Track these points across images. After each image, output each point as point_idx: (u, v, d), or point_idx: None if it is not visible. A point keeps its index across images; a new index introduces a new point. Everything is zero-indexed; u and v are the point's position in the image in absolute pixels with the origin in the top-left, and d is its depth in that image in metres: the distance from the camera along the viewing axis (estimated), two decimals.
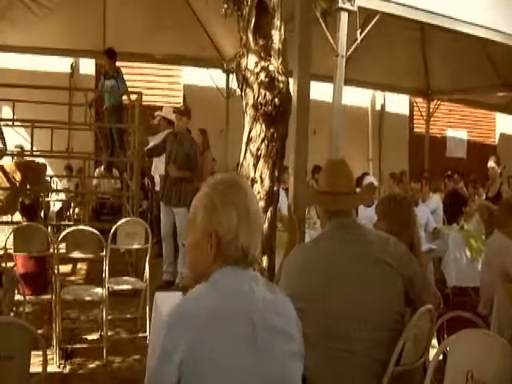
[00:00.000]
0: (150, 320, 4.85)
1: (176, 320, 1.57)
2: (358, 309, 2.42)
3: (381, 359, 2.43)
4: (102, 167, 10.22)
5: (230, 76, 11.30)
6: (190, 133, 9.06)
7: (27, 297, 4.32)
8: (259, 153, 4.24)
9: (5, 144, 8.10)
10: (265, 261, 4.10)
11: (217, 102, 11.32)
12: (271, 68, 4.51)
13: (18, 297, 3.95)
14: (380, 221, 3.36)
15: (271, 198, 4.15)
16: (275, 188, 4.20)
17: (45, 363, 2.28)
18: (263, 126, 4.30)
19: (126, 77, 9.02)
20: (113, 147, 9.07)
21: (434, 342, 3.78)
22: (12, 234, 4.87)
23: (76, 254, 4.95)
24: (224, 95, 11.50)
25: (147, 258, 5.23)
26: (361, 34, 5.94)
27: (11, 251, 4.91)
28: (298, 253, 2.66)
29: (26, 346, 2.23)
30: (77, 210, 10.18)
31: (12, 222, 7.56)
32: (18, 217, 7.80)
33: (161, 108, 8.96)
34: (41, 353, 2.32)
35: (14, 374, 2.20)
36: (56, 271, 4.76)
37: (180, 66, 12.42)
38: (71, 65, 12.23)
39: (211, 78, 11.55)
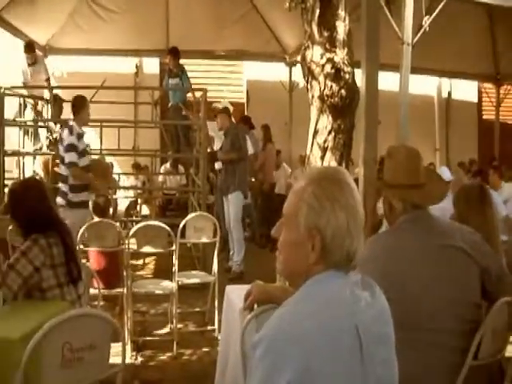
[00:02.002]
0: (218, 313, 4.90)
1: (272, 350, 1.37)
2: (436, 299, 2.36)
3: (459, 351, 2.37)
4: (168, 164, 10.39)
5: (293, 69, 11.29)
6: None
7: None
8: (326, 145, 4.23)
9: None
10: None
11: (280, 95, 11.34)
12: (337, 59, 4.47)
13: (91, 291, 4.07)
14: (454, 211, 3.30)
15: None
16: None
17: (124, 354, 2.34)
18: (330, 117, 4.28)
19: (189, 74, 9.13)
20: (178, 144, 9.22)
21: None
22: (85, 231, 5.03)
23: (146, 249, 5.05)
24: (287, 88, 11.50)
25: (215, 252, 5.28)
26: (427, 20, 5.79)
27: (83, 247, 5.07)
28: (374, 244, 2.61)
29: (107, 337, 2.30)
30: (144, 206, 10.39)
31: None
32: None
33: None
34: (116, 344, 2.38)
35: (95, 363, 2.27)
36: (127, 266, 4.88)
37: (243, 61, 12.49)
38: (136, 65, 12.48)
39: (274, 71, 11.56)
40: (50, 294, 3.07)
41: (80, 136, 5.86)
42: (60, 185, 5.93)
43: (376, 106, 3.79)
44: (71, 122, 5.91)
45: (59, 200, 5.81)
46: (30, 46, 9.02)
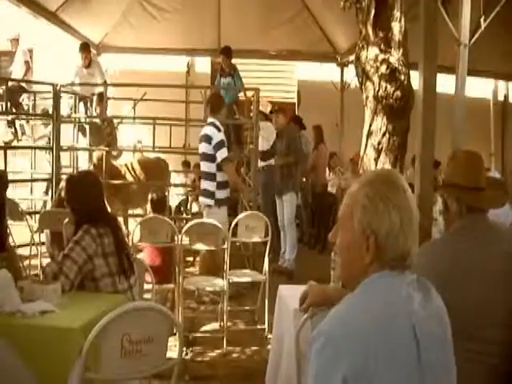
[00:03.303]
0: (268, 313, 4.93)
1: (329, 345, 1.42)
2: (490, 308, 2.31)
3: None
4: None
5: (344, 69, 11.23)
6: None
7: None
8: (380, 146, 4.20)
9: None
10: None
11: (331, 95, 11.29)
12: (392, 60, 4.43)
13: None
14: None
15: None
16: None
17: (181, 348, 2.39)
18: (384, 119, 4.25)
19: (240, 74, 9.20)
20: (229, 143, 9.28)
21: None
22: (139, 226, 5.13)
23: (199, 246, 5.11)
24: (338, 89, 11.43)
25: (266, 252, 5.30)
26: (484, 20, 5.66)
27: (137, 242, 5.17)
28: (429, 249, 2.58)
29: (165, 331, 2.35)
30: (194, 204, 10.49)
31: (135, 215, 7.96)
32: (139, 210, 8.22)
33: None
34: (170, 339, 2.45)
35: (153, 356, 2.33)
36: (180, 262, 4.96)
37: (294, 61, 12.49)
38: (187, 63, 12.63)
39: (325, 72, 11.52)
40: (102, 283, 3.17)
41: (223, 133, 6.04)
42: (204, 183, 6.06)
43: (433, 108, 3.75)
44: (212, 120, 6.06)
45: (205, 200, 6.00)
46: (84, 47, 9.23)
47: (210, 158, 5.96)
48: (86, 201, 3.33)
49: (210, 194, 5.96)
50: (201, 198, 6.18)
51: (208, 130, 6.01)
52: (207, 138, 5.98)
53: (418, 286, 1.57)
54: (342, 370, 1.37)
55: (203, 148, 6.04)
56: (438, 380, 1.50)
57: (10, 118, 9.53)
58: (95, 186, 3.50)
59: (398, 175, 1.62)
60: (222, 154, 5.89)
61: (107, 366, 2.27)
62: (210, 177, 5.98)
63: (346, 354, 1.39)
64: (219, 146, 5.88)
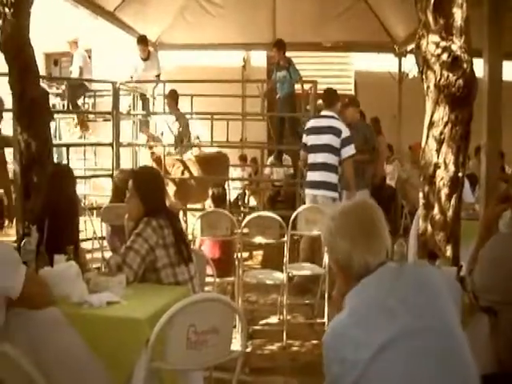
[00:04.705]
0: (328, 307, 4.91)
1: (326, 341, 1.80)
2: None
3: None
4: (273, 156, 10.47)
5: (402, 60, 11.02)
6: (365, 118, 9.00)
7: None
8: (442, 137, 4.08)
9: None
10: (449, 250, 3.95)
11: (389, 86, 11.07)
12: (454, 47, 4.30)
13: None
14: None
15: (456, 184, 3.98)
16: (460, 174, 4.02)
17: (245, 340, 2.41)
18: (446, 108, 4.13)
19: (297, 67, 9.16)
20: (281, 135, 9.29)
21: None
22: (199, 220, 5.18)
23: (259, 239, 5.12)
24: (396, 79, 11.22)
25: None
26: None
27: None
28: (495, 243, 2.52)
29: (230, 323, 2.37)
30: (251, 198, 10.53)
31: (193, 209, 8.04)
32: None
33: None
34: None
35: (218, 346, 2.36)
36: (239, 255, 4.99)
37: (350, 53, 12.35)
38: (243, 58, 12.68)
39: (383, 62, 11.34)
40: (163, 274, 3.21)
41: None
42: (326, 175, 6.09)
43: (499, 97, 3.65)
44: (330, 113, 6.12)
45: (328, 193, 6.02)
46: (142, 39, 9.38)
47: (337, 151, 5.99)
48: (152, 194, 3.40)
49: (333, 187, 6.01)
50: (322, 191, 6.10)
51: (333, 122, 6.04)
52: (335, 131, 5.99)
53: (392, 272, 1.85)
54: (334, 364, 1.73)
55: (328, 139, 6.03)
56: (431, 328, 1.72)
57: (75, 117, 9.84)
58: (160, 179, 3.64)
59: (360, 206, 1.98)
60: (349, 150, 5.94)
61: (173, 357, 2.32)
62: (334, 169, 6.02)
63: (335, 350, 1.74)
64: (348, 141, 5.92)
